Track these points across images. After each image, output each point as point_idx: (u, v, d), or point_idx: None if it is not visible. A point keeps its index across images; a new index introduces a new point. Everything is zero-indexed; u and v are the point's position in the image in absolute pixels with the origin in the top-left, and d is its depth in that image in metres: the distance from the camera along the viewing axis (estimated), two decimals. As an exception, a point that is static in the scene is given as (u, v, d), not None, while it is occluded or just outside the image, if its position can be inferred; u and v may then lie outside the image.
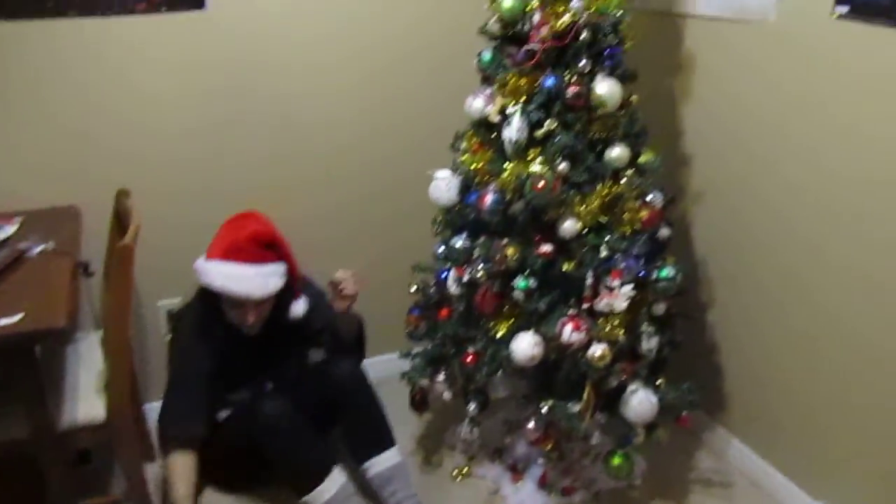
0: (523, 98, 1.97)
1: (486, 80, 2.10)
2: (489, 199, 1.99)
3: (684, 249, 2.45)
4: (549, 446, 2.20)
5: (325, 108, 2.50)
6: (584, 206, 1.97)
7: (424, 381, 2.33)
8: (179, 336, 2.27)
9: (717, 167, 2.32)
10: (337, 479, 2.12)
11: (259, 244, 2.07)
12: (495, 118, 2.02)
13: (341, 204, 2.64)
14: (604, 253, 1.97)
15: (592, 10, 1.91)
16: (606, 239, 1.98)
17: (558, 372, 2.10)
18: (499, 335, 2.09)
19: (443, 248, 2.22)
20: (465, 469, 2.43)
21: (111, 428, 1.92)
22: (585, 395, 2.04)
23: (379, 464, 2.21)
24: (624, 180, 2.00)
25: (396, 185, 2.66)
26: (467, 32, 2.17)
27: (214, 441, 2.17)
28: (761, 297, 2.24)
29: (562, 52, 1.95)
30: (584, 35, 1.91)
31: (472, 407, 2.30)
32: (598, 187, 1.98)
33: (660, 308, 2.12)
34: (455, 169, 2.15)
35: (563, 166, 1.94)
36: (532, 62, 1.94)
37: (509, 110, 1.98)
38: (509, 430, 2.48)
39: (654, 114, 2.36)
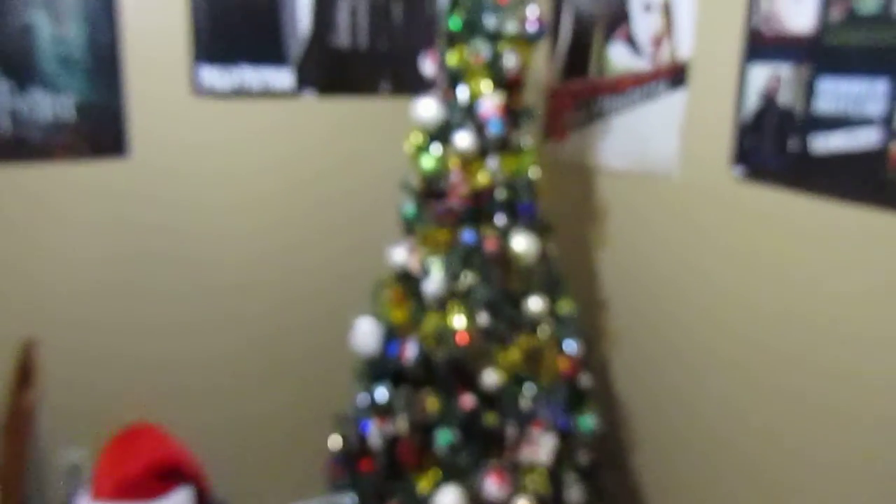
0: (443, 251, 2.02)
1: (409, 230, 2.15)
2: (410, 350, 1.99)
3: (606, 395, 2.47)
4: None
5: (241, 251, 2.45)
6: (504, 357, 1.99)
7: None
8: None
9: (631, 314, 2.39)
10: None
11: (156, 475, 1.82)
12: (416, 270, 2.05)
13: (252, 341, 2.53)
14: (525, 404, 1.98)
15: (508, 171, 2.00)
16: (527, 390, 1.99)
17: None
18: (422, 490, 2.04)
19: (364, 396, 2.18)
20: None
21: None
22: (511, 552, 1.98)
23: None
24: (542, 330, 2.03)
25: (312, 325, 2.60)
26: (391, 180, 2.22)
27: None
28: (680, 444, 2.25)
29: (480, 208, 2.02)
30: (499, 193, 2.00)
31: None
32: (519, 338, 2.01)
33: (583, 457, 2.11)
34: (377, 317, 2.15)
35: (482, 318, 1.97)
36: (451, 217, 2.00)
37: (429, 263, 2.02)
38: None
39: (571, 261, 2.44)
